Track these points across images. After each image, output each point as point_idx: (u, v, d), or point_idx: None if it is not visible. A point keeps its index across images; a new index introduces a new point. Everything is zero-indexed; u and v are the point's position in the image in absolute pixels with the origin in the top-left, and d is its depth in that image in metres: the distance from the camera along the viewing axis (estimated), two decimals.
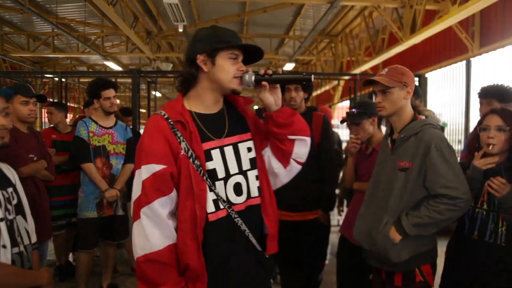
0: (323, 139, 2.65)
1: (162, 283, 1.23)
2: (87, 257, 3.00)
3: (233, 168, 1.34)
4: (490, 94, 2.57)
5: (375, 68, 8.97)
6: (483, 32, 5.87)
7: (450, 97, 6.64)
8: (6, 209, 1.39)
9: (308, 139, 1.48)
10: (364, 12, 7.92)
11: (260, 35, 9.62)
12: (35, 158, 2.62)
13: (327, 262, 4.04)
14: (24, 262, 1.41)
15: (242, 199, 1.35)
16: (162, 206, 1.24)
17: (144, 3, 7.83)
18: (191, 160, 1.27)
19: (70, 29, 9.02)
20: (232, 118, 1.42)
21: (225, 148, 1.35)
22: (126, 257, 4.14)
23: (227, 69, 1.32)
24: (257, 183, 1.39)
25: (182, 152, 1.27)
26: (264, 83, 1.35)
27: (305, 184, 2.63)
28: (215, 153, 1.33)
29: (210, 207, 1.28)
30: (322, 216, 2.66)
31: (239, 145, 1.38)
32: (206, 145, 1.32)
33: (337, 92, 12.14)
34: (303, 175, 2.60)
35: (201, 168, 1.27)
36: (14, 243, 1.38)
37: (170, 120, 1.28)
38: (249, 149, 1.41)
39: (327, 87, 12.27)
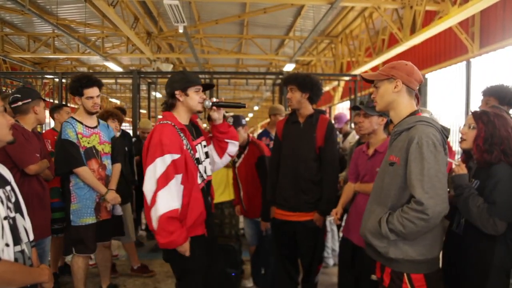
0: (326, 142, 2.67)
1: (174, 231, 1.94)
2: (85, 260, 2.89)
3: (203, 157, 2.23)
4: (488, 93, 2.65)
5: (375, 69, 8.96)
6: (483, 33, 5.88)
7: (450, 98, 6.65)
8: (8, 207, 1.40)
9: (237, 143, 2.37)
10: (364, 13, 7.93)
11: (260, 36, 9.63)
12: (39, 158, 2.72)
13: (331, 262, 4.04)
14: (25, 260, 1.43)
15: (206, 176, 2.22)
16: (177, 180, 1.99)
17: (144, 4, 7.85)
18: (189, 151, 2.07)
19: (71, 30, 9.04)
20: (194, 127, 2.27)
21: (199, 145, 2.20)
22: (126, 257, 4.15)
23: (194, 98, 2.12)
24: (210, 167, 2.29)
25: (184, 147, 2.05)
26: (213, 107, 2.21)
27: (305, 185, 2.67)
28: (198, 148, 2.20)
29: (199, 180, 2.11)
30: (318, 218, 2.68)
31: (202, 143, 2.26)
32: (195, 142, 2.17)
33: (337, 93, 12.16)
34: (304, 176, 2.66)
35: (193, 156, 2.11)
36: (16, 242, 1.39)
37: (176, 127, 2.05)
38: (204, 146, 2.28)
39: (327, 88, 12.27)
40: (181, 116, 2.14)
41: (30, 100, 2.71)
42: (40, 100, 2.76)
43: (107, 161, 2.94)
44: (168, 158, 1.95)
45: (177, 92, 2.10)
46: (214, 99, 2.23)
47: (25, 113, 2.70)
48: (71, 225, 2.80)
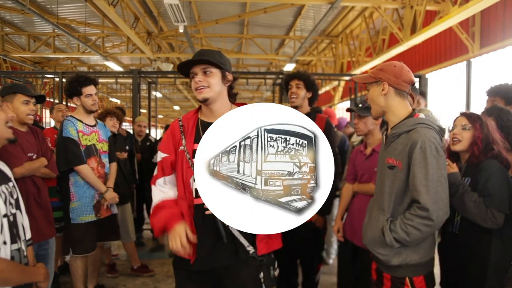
0: None
1: (160, 212, 1.63)
2: (84, 260, 2.87)
3: None
4: (494, 92, 2.60)
5: None
6: (483, 33, 5.88)
7: (450, 98, 6.64)
8: (10, 203, 1.41)
9: None
10: (365, 12, 7.93)
11: (260, 36, 9.63)
12: (34, 157, 2.51)
13: (331, 262, 4.05)
14: (21, 258, 1.43)
15: None
16: (164, 181, 1.70)
17: (144, 3, 7.85)
18: (186, 154, 1.64)
19: (71, 30, 9.04)
20: None
21: None
22: (126, 257, 4.15)
23: (193, 86, 1.66)
24: None
25: (181, 147, 1.66)
26: None
27: None
28: None
29: (195, 193, 1.62)
30: (318, 219, 2.66)
31: None
32: (196, 146, 1.60)
33: (338, 93, 12.15)
34: None
35: (190, 161, 1.62)
36: (13, 239, 1.39)
37: (180, 123, 1.72)
38: None
39: (327, 88, 12.28)
40: (203, 111, 1.75)
41: None
42: (13, 96, 2.44)
43: (105, 160, 2.98)
44: (158, 156, 1.74)
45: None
46: None
47: None
48: (70, 223, 2.79)
